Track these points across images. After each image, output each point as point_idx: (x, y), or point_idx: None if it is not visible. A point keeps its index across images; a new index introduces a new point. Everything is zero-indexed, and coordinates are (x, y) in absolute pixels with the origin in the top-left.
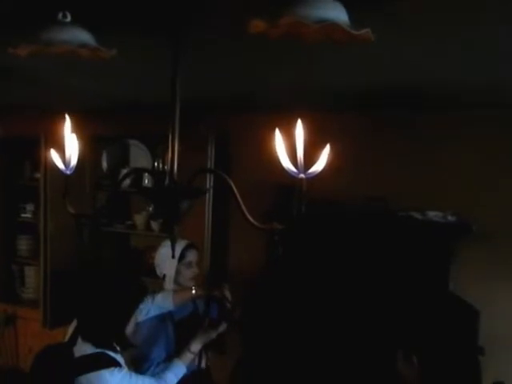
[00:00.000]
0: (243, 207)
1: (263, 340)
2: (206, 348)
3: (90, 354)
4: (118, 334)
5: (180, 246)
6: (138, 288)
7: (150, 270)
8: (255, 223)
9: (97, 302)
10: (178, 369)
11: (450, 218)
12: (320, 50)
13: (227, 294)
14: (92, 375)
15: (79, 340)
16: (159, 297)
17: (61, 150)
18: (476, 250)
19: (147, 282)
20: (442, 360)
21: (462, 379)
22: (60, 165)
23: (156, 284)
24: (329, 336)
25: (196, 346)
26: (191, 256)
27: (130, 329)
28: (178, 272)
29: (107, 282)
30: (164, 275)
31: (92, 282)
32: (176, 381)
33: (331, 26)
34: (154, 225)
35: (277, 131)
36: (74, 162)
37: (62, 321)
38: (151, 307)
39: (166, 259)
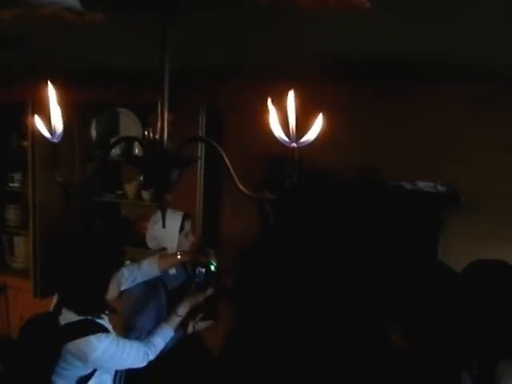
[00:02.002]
0: (234, 176)
1: (255, 308)
2: (194, 314)
3: (76, 321)
4: (97, 300)
5: (179, 217)
6: (114, 254)
7: (143, 240)
8: (246, 192)
9: (73, 269)
10: (166, 333)
11: (439, 188)
12: (314, 18)
13: (213, 259)
14: (79, 341)
15: (63, 309)
16: (145, 263)
17: (48, 118)
18: (464, 219)
19: (138, 252)
20: (431, 327)
21: (450, 346)
22: (45, 133)
23: (146, 254)
24: (319, 305)
25: (183, 310)
26: (188, 226)
27: (110, 295)
28: (179, 243)
29: (82, 249)
30: (163, 248)
31: (68, 250)
32: (164, 344)
33: None
34: (145, 194)
35: (269, 101)
36: (59, 129)
37: (53, 290)
38: (137, 274)
39: (165, 233)
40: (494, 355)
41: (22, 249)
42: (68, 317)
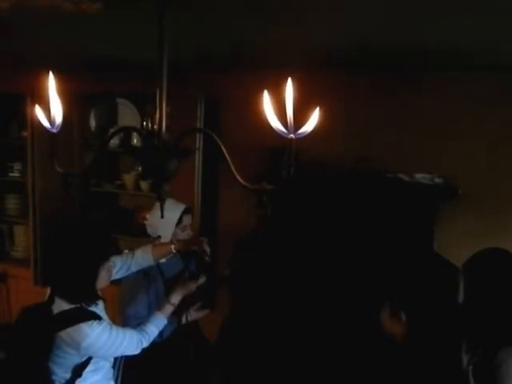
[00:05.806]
0: (232, 167)
1: (252, 297)
2: (188, 303)
3: (68, 310)
4: (87, 289)
5: (179, 210)
6: (104, 243)
7: (141, 230)
8: (245, 183)
9: (62, 258)
10: (159, 321)
11: (436, 180)
12: (309, 7)
13: (206, 248)
14: (71, 330)
15: (56, 298)
16: (139, 252)
17: (47, 108)
18: (460, 211)
19: (137, 241)
20: (428, 316)
21: (446, 335)
22: (45, 123)
23: (145, 244)
24: (317, 294)
25: (175, 298)
26: (187, 220)
27: (101, 284)
28: (174, 234)
29: (72, 238)
30: (159, 236)
31: (58, 239)
32: (157, 332)
33: None
34: (143, 185)
35: (265, 93)
36: (59, 120)
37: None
38: (131, 263)
39: (162, 222)
40: (496, 344)
41: (22, 238)
42: (60, 305)
